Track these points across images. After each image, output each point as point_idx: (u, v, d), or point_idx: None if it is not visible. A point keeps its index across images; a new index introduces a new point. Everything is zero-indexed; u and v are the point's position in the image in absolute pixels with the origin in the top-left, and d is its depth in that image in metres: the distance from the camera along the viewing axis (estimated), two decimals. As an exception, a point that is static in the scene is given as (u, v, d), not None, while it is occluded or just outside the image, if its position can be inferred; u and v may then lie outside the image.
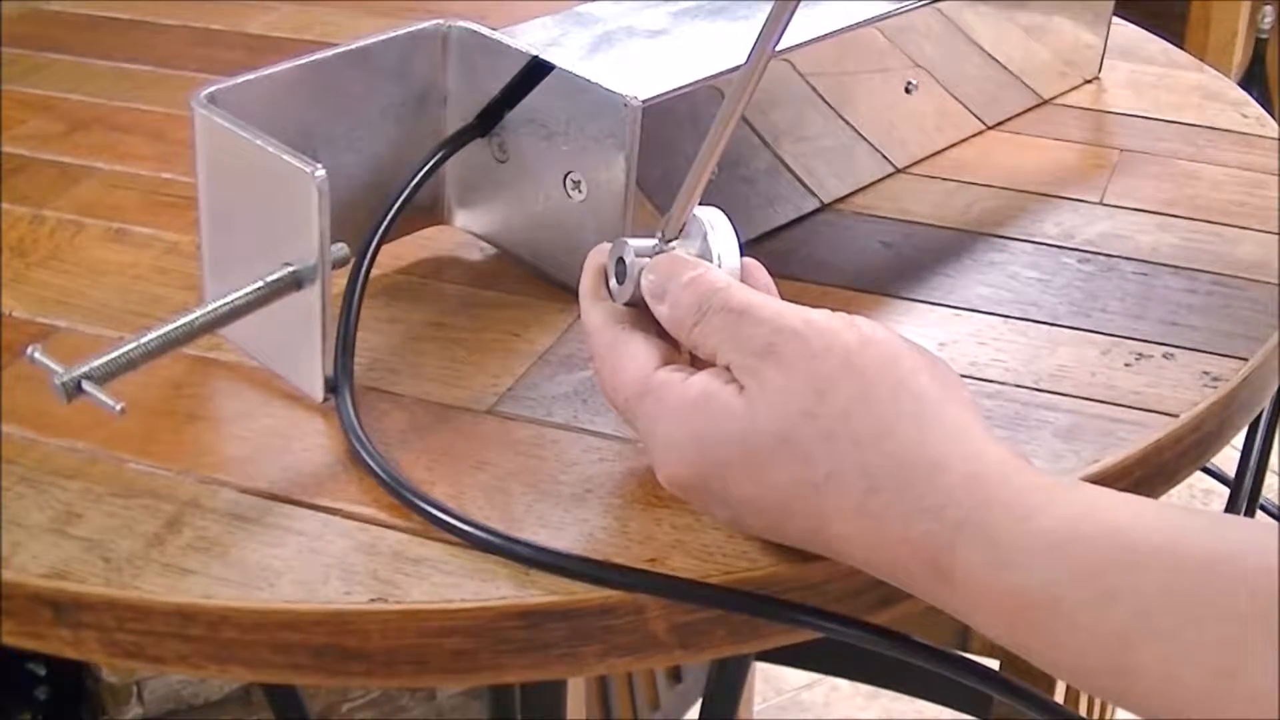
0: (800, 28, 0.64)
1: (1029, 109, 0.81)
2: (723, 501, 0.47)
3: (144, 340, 0.52)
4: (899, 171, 0.74)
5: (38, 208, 0.69)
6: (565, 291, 0.61)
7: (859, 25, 0.68)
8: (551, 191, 0.62)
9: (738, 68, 0.62)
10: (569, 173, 0.61)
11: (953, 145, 0.77)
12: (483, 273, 0.64)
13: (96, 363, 0.50)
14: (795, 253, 0.66)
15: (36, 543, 0.48)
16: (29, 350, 0.50)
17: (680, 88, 0.60)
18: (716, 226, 0.52)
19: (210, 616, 0.46)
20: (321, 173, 0.51)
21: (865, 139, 0.71)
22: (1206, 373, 0.58)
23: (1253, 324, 0.62)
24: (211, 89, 0.56)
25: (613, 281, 0.52)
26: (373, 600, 0.46)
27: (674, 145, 0.60)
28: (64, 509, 0.50)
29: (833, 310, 0.47)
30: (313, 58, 0.59)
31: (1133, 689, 0.39)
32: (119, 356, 0.51)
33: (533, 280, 0.64)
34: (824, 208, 0.70)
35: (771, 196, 0.67)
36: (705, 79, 0.61)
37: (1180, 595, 0.39)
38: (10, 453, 0.52)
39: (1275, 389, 0.63)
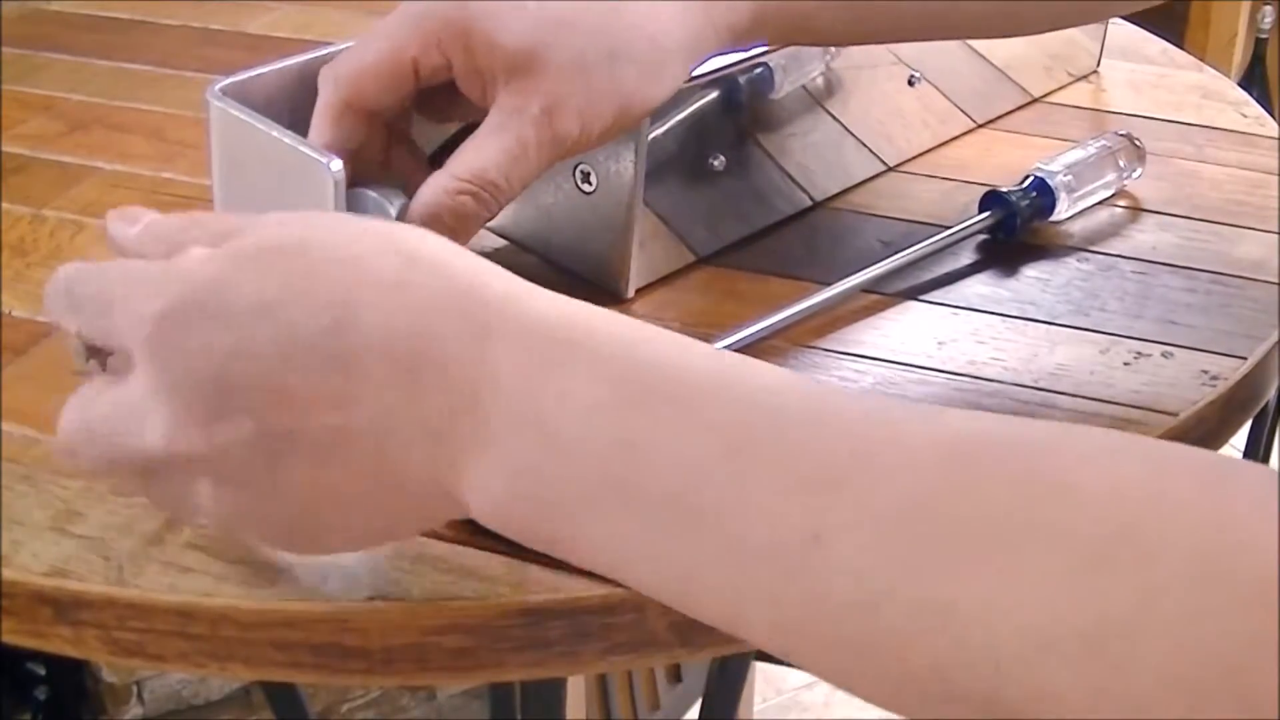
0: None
1: (1024, 106, 0.81)
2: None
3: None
4: (891, 169, 0.74)
5: (38, 207, 0.69)
6: (575, 284, 0.62)
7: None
8: (562, 184, 0.62)
9: (740, 61, 0.62)
10: (579, 164, 0.61)
11: (945, 143, 0.76)
12: (483, 272, 0.64)
13: None
14: (794, 251, 0.66)
15: (37, 541, 0.48)
16: None
17: (691, 80, 0.60)
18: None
19: (211, 614, 0.46)
20: (338, 164, 0.52)
21: (854, 135, 0.71)
22: (1205, 371, 0.58)
23: (1252, 323, 0.62)
24: (224, 82, 0.56)
25: None
26: (372, 598, 0.46)
27: (680, 137, 0.60)
28: (64, 507, 0.50)
29: None
30: (317, 53, 0.59)
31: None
32: None
33: (535, 278, 0.63)
34: (817, 205, 0.70)
35: (762, 193, 0.67)
36: (713, 72, 0.61)
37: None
38: (11, 451, 0.52)
39: (1275, 388, 0.63)
